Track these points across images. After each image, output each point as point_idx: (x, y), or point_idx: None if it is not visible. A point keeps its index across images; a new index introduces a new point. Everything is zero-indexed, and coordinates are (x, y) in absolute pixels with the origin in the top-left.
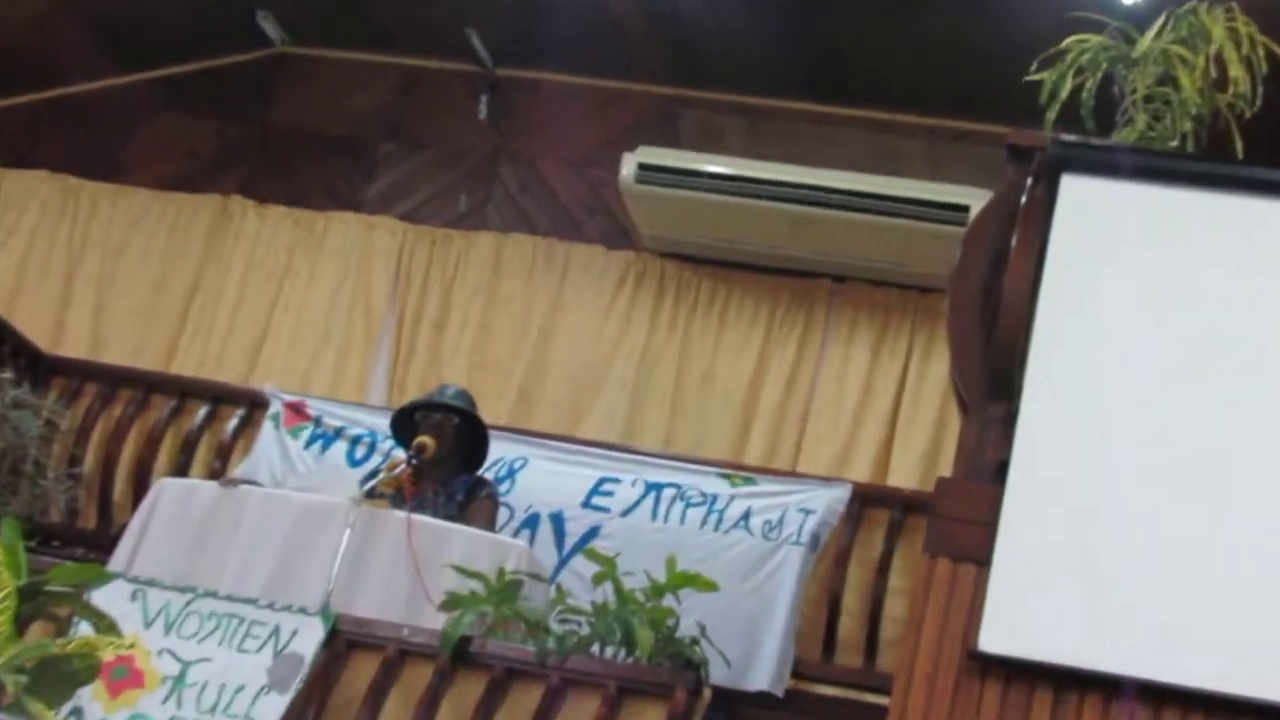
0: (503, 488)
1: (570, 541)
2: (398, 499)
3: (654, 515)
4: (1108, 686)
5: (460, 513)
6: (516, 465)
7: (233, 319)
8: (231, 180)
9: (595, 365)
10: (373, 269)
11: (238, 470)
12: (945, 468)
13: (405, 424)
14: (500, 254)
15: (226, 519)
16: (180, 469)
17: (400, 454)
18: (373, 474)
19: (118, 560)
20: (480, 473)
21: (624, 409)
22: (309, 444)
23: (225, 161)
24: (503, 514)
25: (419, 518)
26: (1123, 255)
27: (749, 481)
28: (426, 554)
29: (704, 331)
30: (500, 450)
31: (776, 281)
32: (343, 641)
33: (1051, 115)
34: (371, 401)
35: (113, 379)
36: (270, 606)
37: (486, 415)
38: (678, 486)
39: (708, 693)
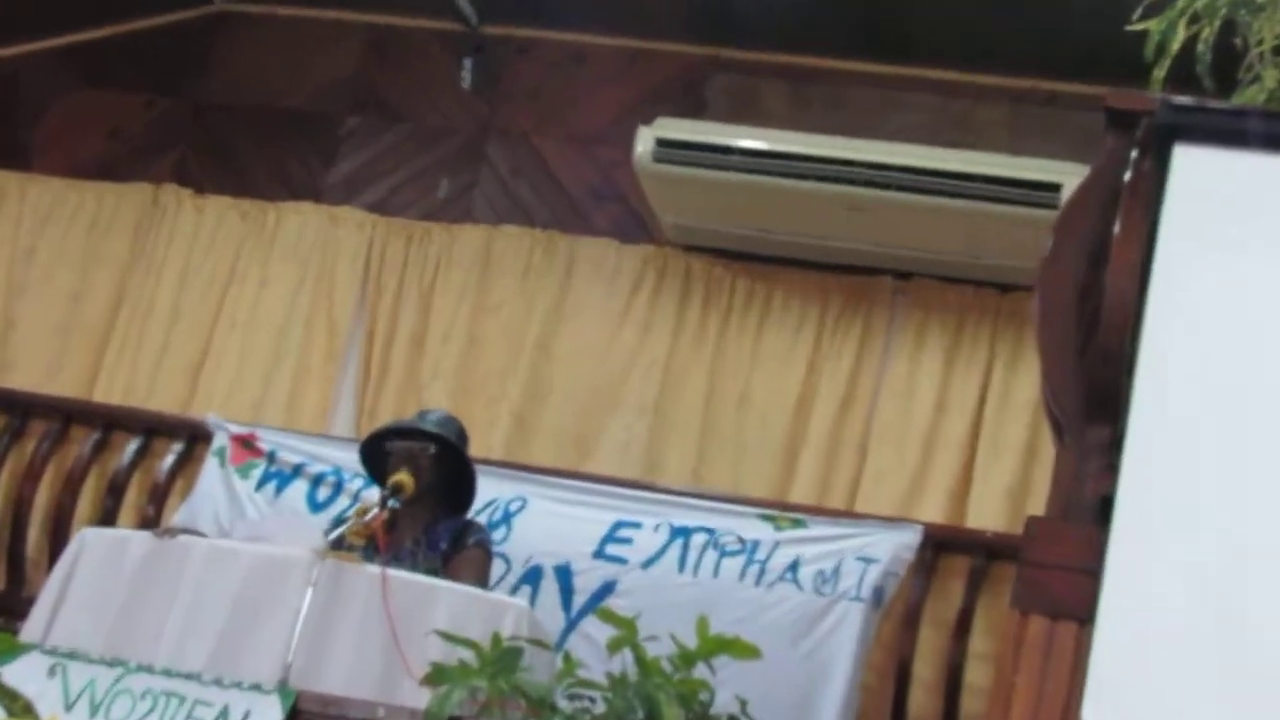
0: (497, 535)
1: (580, 599)
2: (370, 551)
3: (681, 566)
4: None
5: (445, 565)
6: (513, 508)
7: (167, 334)
8: (163, 166)
9: (607, 385)
10: (336, 271)
11: (176, 517)
12: (1037, 505)
13: (377, 457)
14: (490, 251)
15: (163, 577)
16: (106, 516)
17: (372, 495)
18: (339, 520)
19: (32, 629)
20: (469, 516)
21: (643, 437)
22: (261, 484)
23: (155, 143)
24: (497, 566)
25: (396, 573)
26: (1251, 241)
27: (797, 524)
28: (405, 616)
29: (739, 342)
30: (493, 490)
31: (827, 279)
32: None
33: (1160, 73)
34: (336, 432)
35: (23, 408)
36: (217, 683)
37: (476, 447)
38: (710, 531)
39: None
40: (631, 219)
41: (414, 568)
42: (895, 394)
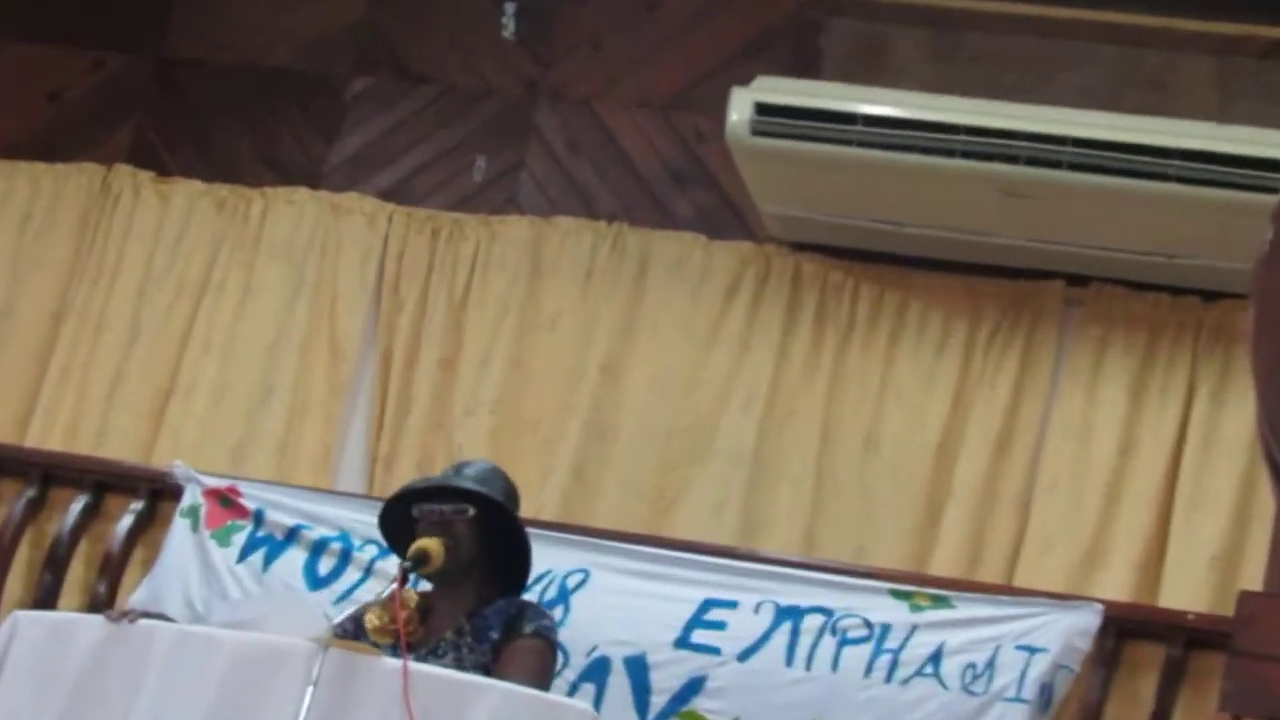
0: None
1: (659, 701)
2: (396, 649)
3: (790, 658)
4: None
5: (495, 657)
6: (571, 583)
7: (122, 359)
8: (116, 141)
9: (693, 423)
10: (341, 277)
11: (134, 597)
12: (1252, 577)
13: (401, 526)
14: (540, 251)
15: (118, 672)
16: (44, 595)
17: (391, 569)
18: (353, 614)
19: None
20: (523, 595)
21: (740, 492)
22: (246, 554)
23: (107, 112)
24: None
25: (421, 667)
26: None
27: (940, 603)
28: None
29: (864, 367)
30: (546, 560)
31: (978, 286)
32: None
33: None
34: (342, 486)
35: None
36: None
37: (525, 505)
38: (827, 612)
39: None
40: (723, 208)
41: (458, 665)
42: (1067, 433)
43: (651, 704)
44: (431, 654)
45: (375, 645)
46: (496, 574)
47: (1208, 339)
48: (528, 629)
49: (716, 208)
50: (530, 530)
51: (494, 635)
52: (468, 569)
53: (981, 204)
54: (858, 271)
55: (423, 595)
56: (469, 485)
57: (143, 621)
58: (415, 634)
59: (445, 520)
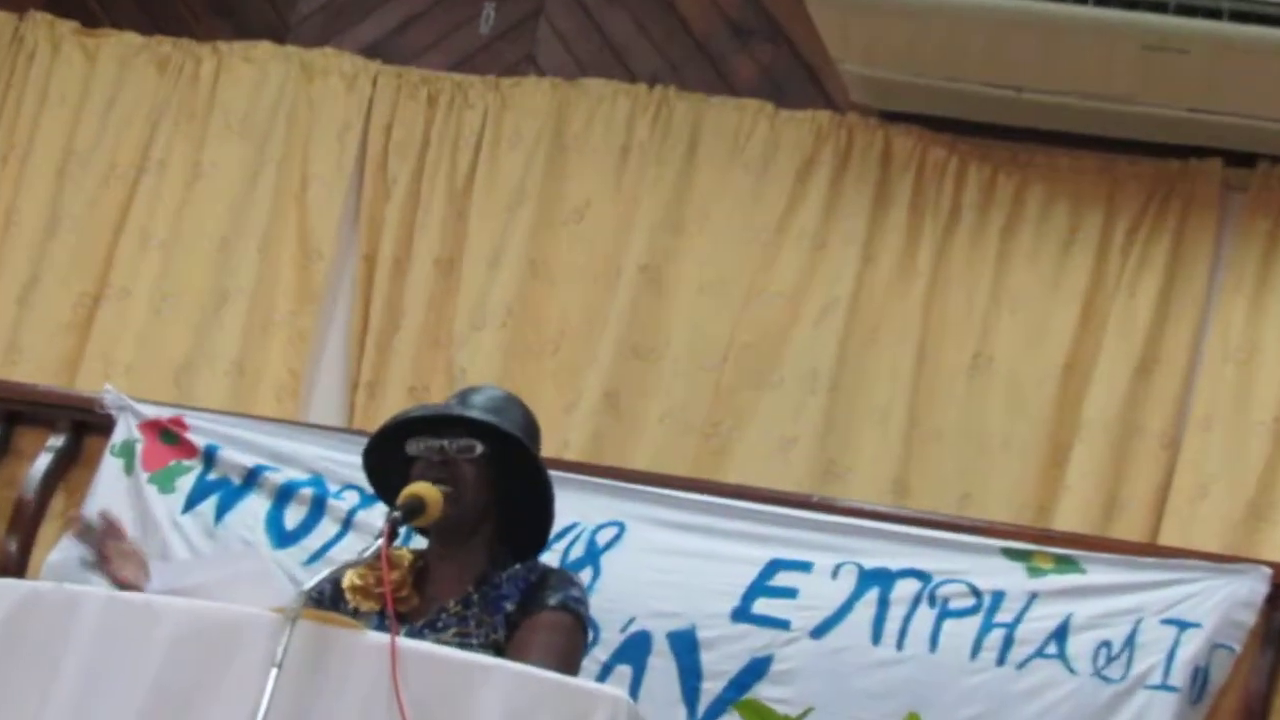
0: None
1: (712, 687)
2: (384, 615)
3: (878, 634)
4: None
5: (510, 637)
6: (602, 539)
7: (37, 256)
8: None
9: (757, 338)
10: (312, 156)
11: (51, 556)
12: None
13: (391, 464)
14: (564, 121)
15: (31, 650)
16: None
17: (377, 520)
18: (329, 577)
19: None
20: (545, 553)
21: (815, 424)
22: (194, 501)
23: None
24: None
25: (413, 644)
26: None
27: (1066, 566)
28: (431, 713)
29: (971, 267)
30: (571, 511)
31: (1114, 166)
32: None
33: None
34: (315, 417)
35: None
36: None
37: (547, 443)
38: (924, 577)
39: None
40: (794, 68)
41: (461, 644)
42: (1226, 354)
43: (703, 691)
44: (429, 628)
45: (356, 614)
46: (511, 529)
47: None
48: (551, 600)
49: (786, 68)
50: (552, 474)
51: (508, 607)
52: (475, 523)
53: (1120, 63)
54: (964, 148)
55: (418, 554)
56: (477, 415)
57: (65, 586)
58: (408, 601)
59: (447, 459)
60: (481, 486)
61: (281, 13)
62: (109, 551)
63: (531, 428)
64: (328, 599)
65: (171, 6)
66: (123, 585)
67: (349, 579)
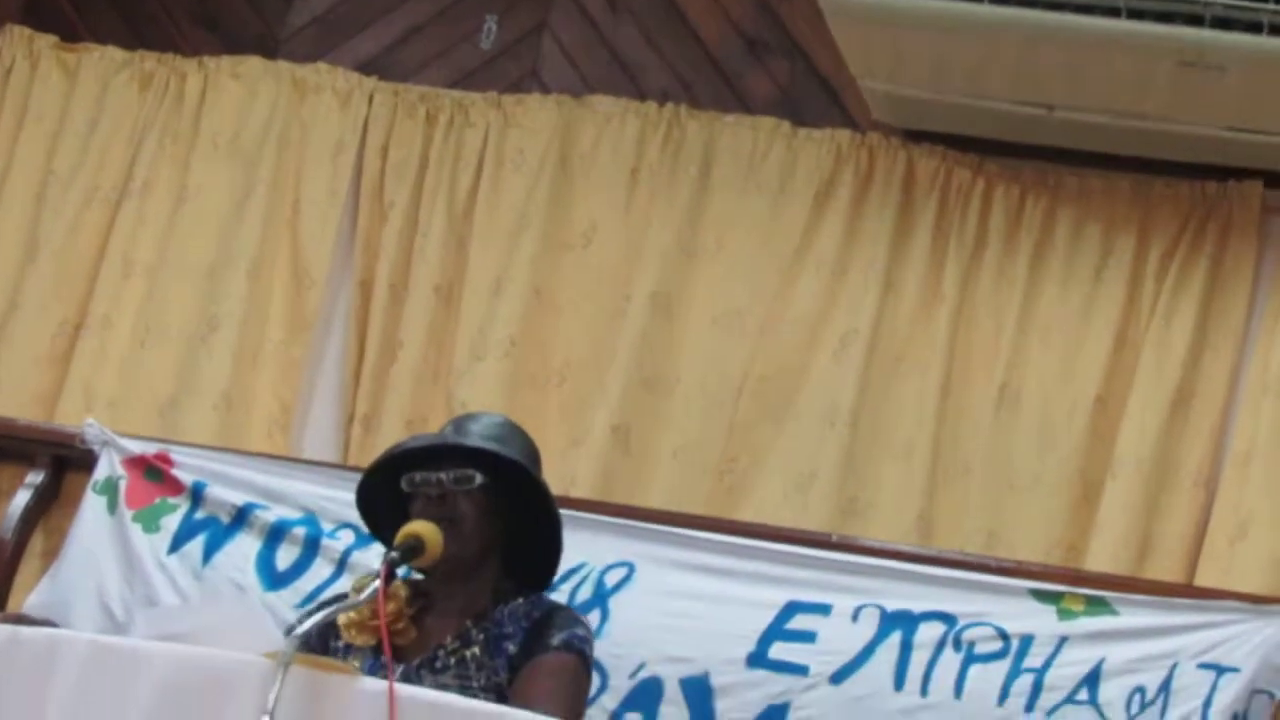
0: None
1: None
2: (378, 652)
3: (900, 679)
4: None
5: (512, 676)
6: (611, 580)
7: (15, 285)
8: None
9: (772, 371)
10: (305, 178)
11: (31, 599)
12: None
13: (386, 500)
14: (570, 141)
15: (14, 698)
16: None
17: (373, 560)
18: (315, 601)
19: None
20: (550, 594)
21: (834, 460)
22: (181, 541)
23: None
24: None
25: (412, 690)
26: None
27: (1098, 608)
28: None
29: (999, 294)
30: (578, 551)
31: (1149, 188)
32: None
33: None
34: (308, 453)
35: None
36: None
37: (552, 478)
38: (948, 620)
39: None
40: (812, 85)
41: (462, 687)
42: (1267, 385)
43: None
44: (426, 668)
45: (348, 649)
46: (515, 563)
47: None
48: (555, 639)
49: (803, 85)
50: (561, 510)
51: (510, 648)
52: (478, 558)
53: (1155, 79)
54: (991, 169)
55: (414, 585)
56: (475, 443)
57: (43, 630)
58: (404, 633)
59: (445, 493)
60: (483, 519)
61: (272, 26)
62: None
63: (533, 455)
64: (315, 633)
65: (156, 19)
66: None
67: (346, 618)
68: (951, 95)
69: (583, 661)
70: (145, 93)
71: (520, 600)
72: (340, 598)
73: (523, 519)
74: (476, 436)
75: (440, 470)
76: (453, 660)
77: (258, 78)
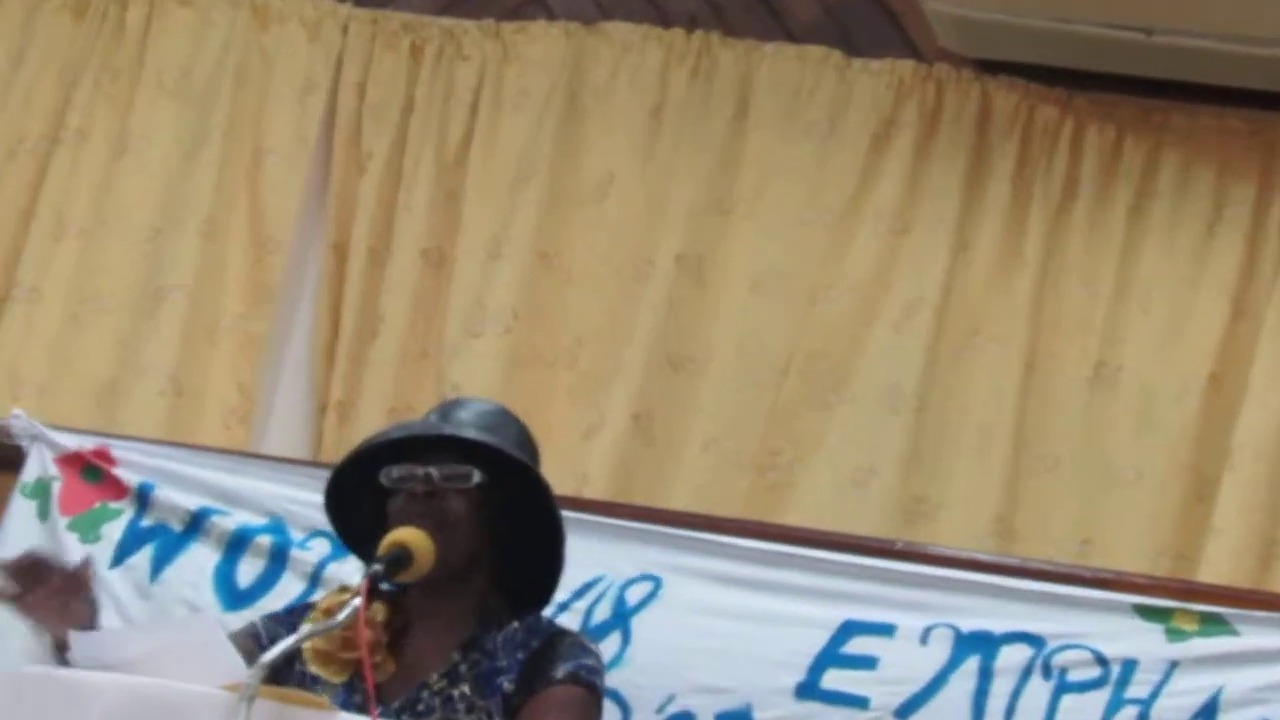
0: (606, 649)
1: None
2: (351, 689)
3: (979, 711)
4: None
5: (509, 713)
6: (634, 597)
7: None
8: None
9: (822, 345)
10: (268, 122)
11: None
12: None
13: (361, 499)
14: (581, 75)
15: None
16: None
17: (350, 574)
18: (283, 620)
19: None
20: (552, 615)
21: (896, 451)
22: (125, 553)
23: None
24: (609, 713)
25: None
26: None
27: (1214, 626)
28: None
29: (1090, 255)
30: (595, 562)
31: (1268, 125)
32: None
33: None
34: (273, 447)
35: None
36: None
37: (562, 474)
38: (1036, 642)
39: None
40: (866, 6)
41: (447, 718)
42: None
43: None
44: (409, 712)
45: (315, 682)
46: (507, 577)
47: None
48: (559, 672)
49: (856, 6)
50: (568, 515)
51: (506, 686)
52: (465, 570)
53: None
54: (1081, 105)
55: (391, 604)
56: (470, 434)
57: None
58: (382, 668)
59: (434, 490)
60: (476, 524)
61: None
62: (31, 596)
63: (529, 448)
64: (299, 678)
65: None
66: (53, 639)
67: (312, 643)
68: (1032, 17)
69: (593, 696)
70: (79, 22)
71: (516, 625)
72: (309, 607)
73: (518, 524)
74: (469, 426)
75: (429, 464)
76: (438, 702)
77: (211, 4)
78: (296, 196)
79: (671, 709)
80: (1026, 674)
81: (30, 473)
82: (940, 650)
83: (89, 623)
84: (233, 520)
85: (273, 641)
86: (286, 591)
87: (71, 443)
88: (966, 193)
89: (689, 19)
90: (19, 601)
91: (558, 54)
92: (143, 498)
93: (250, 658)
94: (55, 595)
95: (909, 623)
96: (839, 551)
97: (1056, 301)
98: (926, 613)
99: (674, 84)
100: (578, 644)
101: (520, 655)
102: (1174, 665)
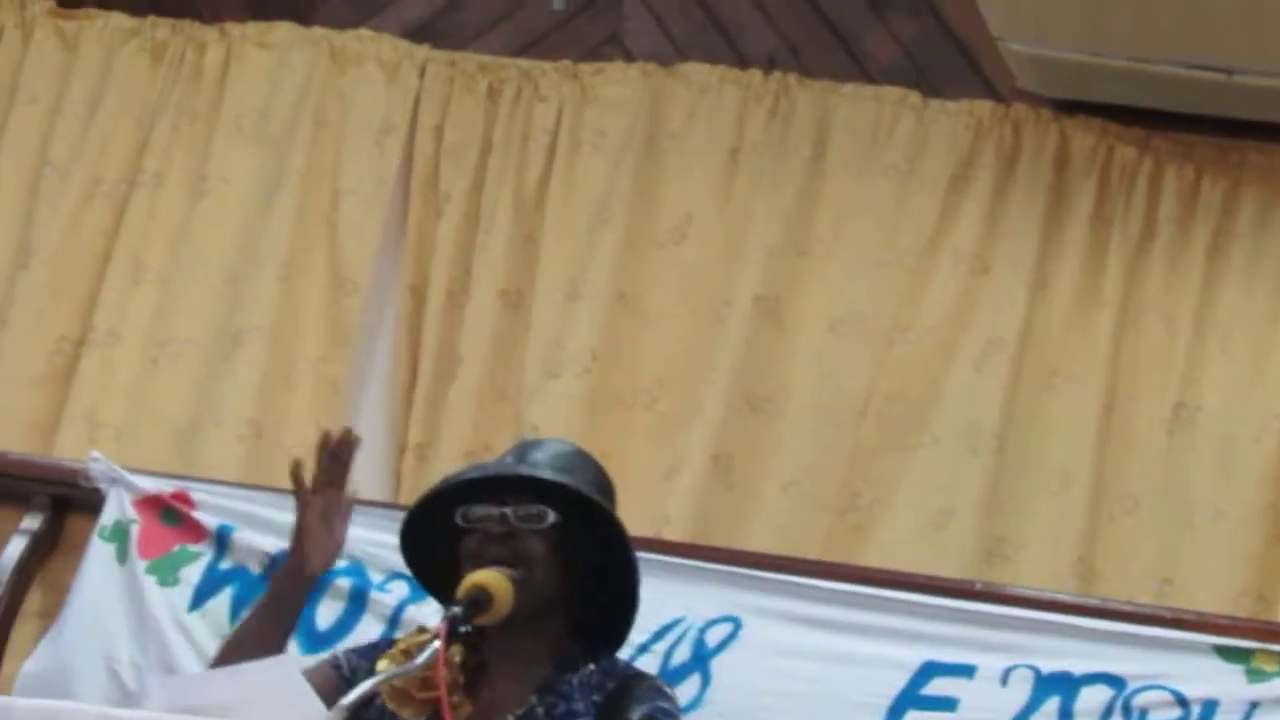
0: (684, 692)
1: None
2: None
3: None
4: None
5: None
6: (713, 639)
7: (4, 294)
8: None
9: (901, 387)
10: (346, 164)
11: (27, 665)
12: None
13: (437, 540)
14: (658, 116)
15: None
16: None
17: (428, 616)
18: (362, 663)
19: None
20: (631, 656)
21: (976, 493)
22: (204, 597)
23: None
24: None
25: None
26: None
27: None
28: None
29: (1170, 295)
30: (674, 603)
31: None
32: None
33: None
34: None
35: None
36: None
37: (638, 516)
38: (1116, 683)
39: None
40: (945, 47)
41: None
42: None
43: None
44: None
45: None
46: (583, 619)
47: None
48: (635, 714)
49: (934, 47)
50: (648, 558)
51: None
52: (542, 612)
53: None
54: (1160, 145)
55: (467, 644)
56: (547, 475)
57: (39, 703)
58: (460, 709)
59: (511, 531)
60: (552, 565)
61: None
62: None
63: (605, 489)
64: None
65: None
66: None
67: (390, 685)
68: (1111, 58)
69: None
70: (157, 66)
71: (592, 667)
72: (391, 643)
73: (592, 565)
74: (545, 467)
75: (505, 505)
76: None
77: (289, 47)
78: (374, 239)
79: None
80: (1107, 715)
81: (109, 516)
82: (1021, 691)
83: (329, 561)
84: None
85: (354, 674)
86: (365, 633)
87: (150, 485)
88: (1045, 233)
89: (767, 60)
90: (311, 491)
91: (635, 95)
92: (222, 540)
93: (331, 687)
94: (332, 506)
95: (989, 664)
96: (919, 593)
97: (1135, 341)
98: (1007, 654)
99: (751, 125)
100: (654, 687)
101: (596, 698)
102: (1255, 706)
